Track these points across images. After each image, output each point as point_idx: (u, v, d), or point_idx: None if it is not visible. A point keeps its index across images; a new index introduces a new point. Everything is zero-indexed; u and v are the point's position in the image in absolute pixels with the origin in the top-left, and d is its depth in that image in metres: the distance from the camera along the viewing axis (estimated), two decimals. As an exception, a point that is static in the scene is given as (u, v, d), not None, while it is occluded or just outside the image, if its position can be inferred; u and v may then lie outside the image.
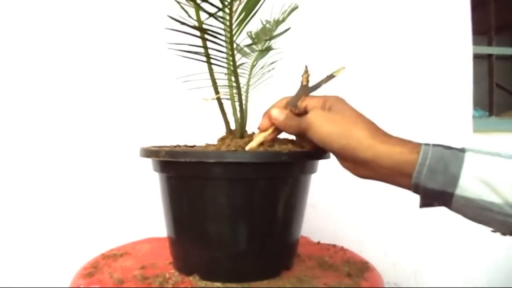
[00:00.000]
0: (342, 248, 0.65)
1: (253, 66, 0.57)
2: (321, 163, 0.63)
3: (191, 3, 0.45)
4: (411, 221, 0.99)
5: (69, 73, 0.79)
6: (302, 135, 0.46)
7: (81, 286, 0.47)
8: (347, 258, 0.59)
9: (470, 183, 0.38)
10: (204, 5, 0.41)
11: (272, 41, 0.57)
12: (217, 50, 0.46)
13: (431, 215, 1.00)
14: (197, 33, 0.45)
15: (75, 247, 0.77)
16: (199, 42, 0.47)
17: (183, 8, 0.46)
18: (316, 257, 0.58)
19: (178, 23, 0.42)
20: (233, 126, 0.54)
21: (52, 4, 0.78)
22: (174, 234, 0.50)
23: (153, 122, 0.82)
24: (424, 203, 0.43)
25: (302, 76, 0.47)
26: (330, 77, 0.47)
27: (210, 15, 0.42)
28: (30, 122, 0.77)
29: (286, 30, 0.53)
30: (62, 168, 0.78)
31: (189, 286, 0.45)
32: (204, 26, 0.46)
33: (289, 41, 0.51)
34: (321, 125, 0.42)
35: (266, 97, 0.62)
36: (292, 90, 0.48)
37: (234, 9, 0.43)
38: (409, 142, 0.42)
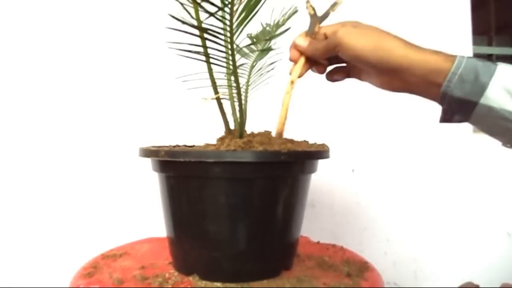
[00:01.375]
0: (341, 248, 0.65)
1: (252, 66, 0.57)
2: (321, 163, 0.63)
3: (191, 2, 0.45)
4: (411, 221, 0.99)
5: (67, 72, 0.79)
6: (331, 57, 0.47)
7: (81, 286, 0.47)
8: (346, 258, 0.59)
9: (496, 92, 0.39)
10: (205, 4, 0.41)
11: (272, 41, 0.57)
12: (217, 50, 0.46)
13: (431, 215, 1.00)
14: (197, 32, 0.45)
15: (75, 247, 0.77)
16: (198, 41, 0.47)
17: (184, 8, 0.45)
18: (316, 257, 0.58)
19: (179, 23, 0.42)
20: (232, 126, 0.54)
21: (52, 3, 0.78)
22: (173, 234, 0.50)
23: (152, 122, 0.82)
24: (445, 118, 0.44)
25: (307, 7, 0.47)
26: (335, 4, 0.48)
27: (211, 14, 0.42)
28: (28, 122, 0.77)
29: (286, 30, 0.53)
30: (62, 168, 0.78)
31: (188, 286, 0.45)
32: (204, 26, 0.46)
33: (288, 42, 0.51)
34: (354, 40, 0.43)
35: (266, 97, 0.62)
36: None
37: (234, 9, 0.43)
38: (443, 52, 0.43)
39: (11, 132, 0.76)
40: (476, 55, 1.10)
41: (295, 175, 0.49)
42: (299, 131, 0.58)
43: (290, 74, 0.50)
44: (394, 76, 0.44)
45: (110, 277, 0.48)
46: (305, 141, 0.55)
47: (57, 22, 0.79)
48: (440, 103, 0.44)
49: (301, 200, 0.51)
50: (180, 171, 0.46)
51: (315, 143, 0.55)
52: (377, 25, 0.45)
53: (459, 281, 1.04)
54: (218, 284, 0.46)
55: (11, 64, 0.76)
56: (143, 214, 0.80)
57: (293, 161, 0.46)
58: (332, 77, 0.52)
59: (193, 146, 0.55)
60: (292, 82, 0.50)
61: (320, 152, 0.49)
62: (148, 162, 0.50)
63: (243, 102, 0.52)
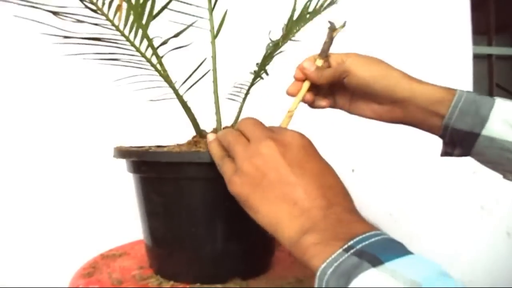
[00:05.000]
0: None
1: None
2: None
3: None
4: (411, 220, 0.99)
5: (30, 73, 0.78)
6: (334, 85, 0.48)
7: (80, 286, 0.47)
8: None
9: (497, 124, 0.42)
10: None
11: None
12: (130, 55, 0.46)
13: (430, 214, 1.00)
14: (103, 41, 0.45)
15: (74, 247, 0.77)
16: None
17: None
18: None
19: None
20: (206, 126, 0.53)
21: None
22: (149, 237, 0.49)
23: (125, 123, 0.80)
24: (446, 151, 0.46)
25: (336, 29, 0.47)
26: (335, 30, 0.47)
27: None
28: (28, 123, 0.77)
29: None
30: (62, 168, 0.78)
31: (188, 286, 0.45)
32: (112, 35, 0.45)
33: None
34: (363, 68, 0.45)
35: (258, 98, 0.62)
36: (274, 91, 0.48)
37: (111, 15, 0.43)
38: (443, 86, 0.45)
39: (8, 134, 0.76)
40: (476, 55, 1.10)
41: None
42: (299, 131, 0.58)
43: (287, 93, 0.48)
44: (396, 106, 0.46)
45: (110, 277, 0.48)
46: None
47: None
48: (441, 136, 0.45)
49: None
50: (153, 172, 0.45)
51: None
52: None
53: (459, 281, 1.04)
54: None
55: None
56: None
57: None
58: (316, 103, 0.50)
59: (165, 146, 0.53)
60: (289, 112, 0.45)
61: None
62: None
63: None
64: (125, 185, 0.81)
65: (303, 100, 0.48)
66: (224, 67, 0.56)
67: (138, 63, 0.47)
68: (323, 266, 0.25)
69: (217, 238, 0.45)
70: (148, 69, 0.47)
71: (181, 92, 0.49)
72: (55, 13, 0.41)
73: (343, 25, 0.47)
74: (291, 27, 0.52)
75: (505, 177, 0.46)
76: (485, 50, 1.30)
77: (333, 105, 0.51)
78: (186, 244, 0.46)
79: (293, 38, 0.54)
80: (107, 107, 0.79)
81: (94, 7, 0.42)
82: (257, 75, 0.54)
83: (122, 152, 0.46)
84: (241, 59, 0.82)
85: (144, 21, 0.44)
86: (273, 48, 0.52)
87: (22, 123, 0.77)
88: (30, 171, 0.77)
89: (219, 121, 0.53)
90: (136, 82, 0.48)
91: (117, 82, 0.50)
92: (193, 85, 0.50)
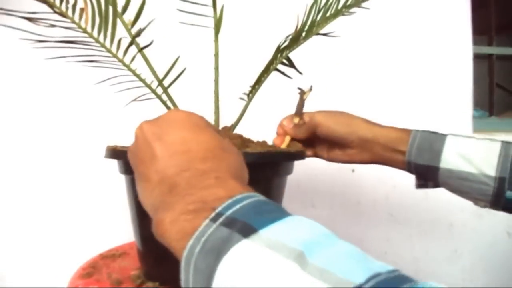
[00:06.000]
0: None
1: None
2: (321, 163, 0.63)
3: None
4: (411, 220, 0.99)
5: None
6: (311, 137, 0.55)
7: (80, 287, 0.47)
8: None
9: (451, 157, 0.48)
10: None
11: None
12: (104, 56, 0.46)
13: (430, 213, 1.00)
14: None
15: (74, 247, 0.77)
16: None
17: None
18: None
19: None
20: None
21: None
22: (140, 240, 0.48)
23: (117, 123, 0.79)
24: (419, 184, 0.54)
25: (306, 93, 0.55)
26: (304, 93, 0.55)
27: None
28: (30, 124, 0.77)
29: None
30: (62, 168, 0.78)
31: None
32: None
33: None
34: (329, 120, 0.54)
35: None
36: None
37: (78, 18, 0.43)
38: (399, 128, 0.53)
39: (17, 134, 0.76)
40: (476, 55, 1.10)
41: (269, 177, 0.46)
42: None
43: (273, 144, 0.55)
44: (364, 148, 0.53)
45: (109, 278, 0.48)
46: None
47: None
48: (408, 170, 0.52)
49: (276, 202, 0.49)
50: None
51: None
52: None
53: (459, 281, 1.04)
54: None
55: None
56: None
57: (265, 162, 0.44)
58: (313, 148, 0.59)
59: None
60: None
61: (293, 154, 0.48)
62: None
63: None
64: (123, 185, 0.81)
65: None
66: (224, 67, 0.56)
67: (114, 64, 0.47)
68: (190, 244, 0.22)
69: None
70: (123, 69, 0.47)
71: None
72: (29, 19, 0.41)
73: (310, 89, 0.55)
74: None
75: (476, 204, 0.51)
76: (485, 50, 1.30)
77: (315, 155, 0.59)
78: None
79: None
80: (98, 107, 0.79)
81: (59, 11, 0.42)
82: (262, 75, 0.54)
83: (114, 153, 0.45)
84: (245, 58, 0.82)
85: (110, 22, 0.44)
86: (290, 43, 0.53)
87: (16, 126, 0.77)
88: (27, 171, 0.77)
89: (217, 120, 0.53)
90: (121, 82, 0.48)
91: (102, 82, 0.50)
92: (170, 84, 0.50)
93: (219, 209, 0.22)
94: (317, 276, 0.17)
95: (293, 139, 0.56)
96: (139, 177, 0.29)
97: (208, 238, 0.21)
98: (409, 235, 0.99)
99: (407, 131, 0.51)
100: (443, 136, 0.49)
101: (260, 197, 0.24)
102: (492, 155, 0.47)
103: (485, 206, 0.49)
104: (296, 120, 0.54)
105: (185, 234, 0.22)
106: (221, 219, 0.22)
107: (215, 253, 0.20)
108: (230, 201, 0.23)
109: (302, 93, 0.55)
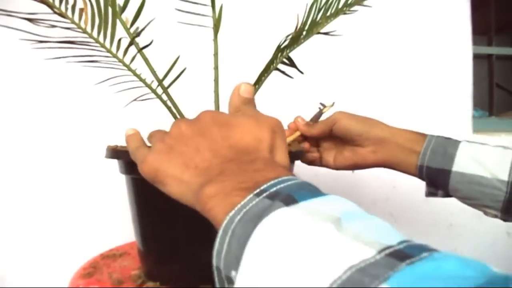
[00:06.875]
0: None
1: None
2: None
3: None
4: (411, 221, 0.99)
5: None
6: (323, 136, 0.56)
7: (80, 286, 0.47)
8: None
9: (465, 161, 0.48)
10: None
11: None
12: (104, 56, 0.46)
13: (430, 214, 1.00)
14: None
15: (74, 247, 0.77)
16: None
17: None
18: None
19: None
20: None
21: None
22: (141, 240, 0.48)
23: (117, 123, 0.80)
24: (429, 192, 0.53)
25: (326, 107, 0.56)
26: (325, 107, 0.57)
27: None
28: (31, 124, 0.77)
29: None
30: (62, 168, 0.78)
31: (188, 286, 0.45)
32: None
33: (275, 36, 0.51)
34: (347, 116, 0.54)
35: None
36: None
37: (78, 19, 0.43)
38: (415, 131, 0.54)
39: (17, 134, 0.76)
40: (476, 55, 1.10)
41: None
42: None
43: None
44: (378, 146, 0.53)
45: (110, 277, 0.48)
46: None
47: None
48: (419, 176, 0.52)
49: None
50: None
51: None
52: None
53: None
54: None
55: None
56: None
57: None
58: (309, 154, 0.58)
59: None
60: None
61: (293, 154, 0.47)
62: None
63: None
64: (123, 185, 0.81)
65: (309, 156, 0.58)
66: (224, 66, 0.56)
67: (114, 64, 0.47)
68: (231, 214, 0.22)
69: (211, 241, 0.45)
70: (123, 69, 0.47)
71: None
72: (29, 19, 0.41)
73: (332, 105, 0.56)
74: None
75: (486, 214, 0.50)
76: (485, 50, 1.30)
77: (320, 161, 0.58)
78: (180, 248, 0.45)
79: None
80: (99, 107, 0.79)
81: (59, 12, 0.42)
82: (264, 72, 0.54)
83: (114, 153, 0.45)
84: (245, 57, 0.82)
85: (110, 22, 0.44)
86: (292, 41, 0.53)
87: (17, 127, 0.77)
88: (28, 172, 0.77)
89: None
90: (121, 83, 0.48)
91: (102, 83, 0.50)
92: (170, 84, 0.50)
93: (264, 186, 0.23)
94: (351, 236, 0.18)
95: (303, 136, 0.56)
96: (182, 162, 0.30)
97: (250, 209, 0.22)
98: (409, 235, 0.99)
99: (424, 135, 0.52)
100: (457, 142, 0.50)
101: (305, 181, 0.25)
102: (505, 160, 0.46)
103: (495, 216, 0.49)
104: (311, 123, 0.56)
105: (221, 207, 0.24)
106: (264, 194, 0.23)
107: (254, 219, 0.21)
108: (275, 180, 0.24)
109: (323, 107, 0.56)
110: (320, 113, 0.56)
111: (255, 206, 0.22)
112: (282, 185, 0.23)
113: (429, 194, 0.54)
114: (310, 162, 0.58)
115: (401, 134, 0.52)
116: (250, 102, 0.35)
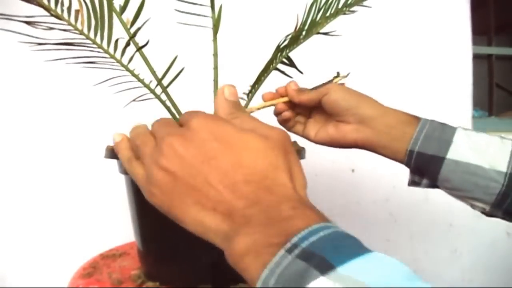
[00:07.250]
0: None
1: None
2: (321, 163, 0.63)
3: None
4: (411, 221, 0.99)
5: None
6: (310, 106, 0.52)
7: (80, 286, 0.47)
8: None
9: (461, 148, 0.44)
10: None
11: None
12: (103, 57, 0.46)
13: (430, 214, 1.00)
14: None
15: (74, 247, 0.77)
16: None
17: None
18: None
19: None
20: None
21: None
22: (141, 239, 0.48)
23: (116, 123, 0.80)
24: (413, 180, 0.49)
25: (339, 77, 0.53)
26: (337, 77, 0.53)
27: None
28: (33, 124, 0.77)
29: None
30: (62, 168, 0.78)
31: (188, 286, 0.45)
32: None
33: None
34: (340, 88, 0.50)
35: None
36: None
37: (74, 20, 0.43)
38: (409, 113, 0.50)
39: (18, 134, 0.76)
40: (476, 55, 1.10)
41: None
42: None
43: (262, 96, 0.53)
44: (365, 124, 0.49)
45: (110, 277, 0.48)
46: None
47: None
48: (406, 162, 0.47)
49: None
50: None
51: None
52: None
53: (458, 281, 1.04)
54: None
55: None
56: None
57: None
58: (291, 122, 0.55)
59: None
60: (249, 109, 0.50)
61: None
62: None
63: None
64: (123, 185, 0.81)
65: (282, 116, 0.53)
66: (223, 66, 0.56)
67: (112, 65, 0.47)
68: (264, 275, 0.21)
69: (211, 244, 0.45)
70: (121, 70, 0.47)
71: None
72: (28, 22, 0.42)
73: (346, 76, 0.53)
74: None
75: (472, 207, 0.47)
76: (485, 50, 1.30)
77: (302, 132, 0.55)
78: (179, 248, 0.45)
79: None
80: (98, 108, 0.79)
81: (55, 14, 0.42)
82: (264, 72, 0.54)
83: (114, 153, 0.44)
84: (244, 57, 0.82)
85: (106, 23, 0.44)
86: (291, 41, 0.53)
87: (17, 128, 0.77)
88: (28, 172, 0.77)
89: None
90: (120, 83, 0.48)
91: (101, 84, 0.50)
92: (169, 84, 0.50)
93: (295, 239, 0.21)
94: None
95: (292, 103, 0.52)
96: (194, 200, 0.27)
97: (284, 272, 0.20)
98: (409, 235, 0.99)
99: (417, 118, 0.48)
100: (453, 128, 0.46)
101: (337, 228, 0.23)
102: (504, 150, 0.43)
103: (482, 210, 0.46)
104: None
105: (253, 268, 0.22)
106: (296, 251, 0.21)
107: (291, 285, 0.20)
108: (306, 231, 0.22)
109: (336, 77, 0.52)
110: (329, 82, 0.52)
111: (289, 268, 0.20)
112: (314, 239, 0.21)
113: (412, 183, 0.49)
114: (290, 128, 0.55)
115: (394, 115, 0.48)
116: (239, 105, 0.32)
